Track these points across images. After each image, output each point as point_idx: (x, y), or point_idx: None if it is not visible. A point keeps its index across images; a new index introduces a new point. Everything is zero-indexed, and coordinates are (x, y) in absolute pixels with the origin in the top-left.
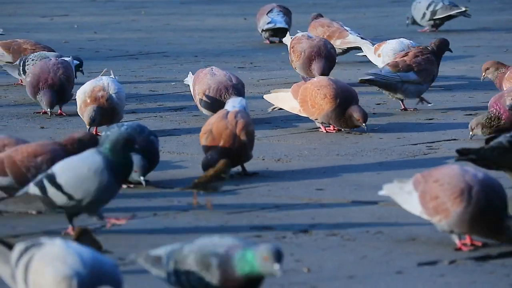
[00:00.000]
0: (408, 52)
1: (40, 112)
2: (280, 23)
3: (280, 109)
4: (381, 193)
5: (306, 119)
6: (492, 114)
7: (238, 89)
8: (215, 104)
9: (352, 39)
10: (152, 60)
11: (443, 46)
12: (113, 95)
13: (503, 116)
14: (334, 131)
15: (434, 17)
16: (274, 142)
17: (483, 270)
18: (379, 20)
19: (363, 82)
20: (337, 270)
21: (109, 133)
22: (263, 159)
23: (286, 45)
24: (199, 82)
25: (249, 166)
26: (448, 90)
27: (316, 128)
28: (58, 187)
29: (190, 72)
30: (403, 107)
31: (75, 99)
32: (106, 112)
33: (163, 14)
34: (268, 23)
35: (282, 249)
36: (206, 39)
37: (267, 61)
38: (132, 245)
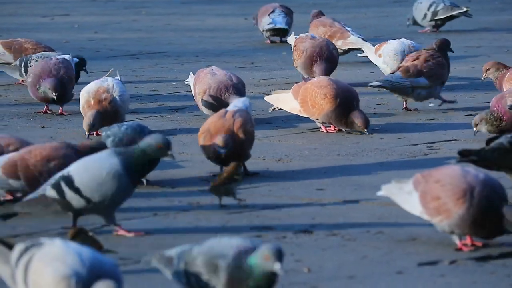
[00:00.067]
0: (419, 55)
1: (40, 112)
2: (280, 23)
3: (281, 109)
4: (380, 193)
5: (307, 119)
6: (495, 114)
7: (239, 89)
8: (215, 103)
9: (354, 40)
10: (153, 60)
11: (444, 46)
12: (117, 97)
13: (504, 117)
14: (334, 131)
15: (435, 18)
16: (274, 142)
17: (483, 270)
18: (380, 20)
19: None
20: (337, 270)
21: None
22: (264, 159)
23: (287, 45)
24: (200, 82)
25: (250, 166)
26: (449, 90)
27: (317, 128)
28: (76, 190)
29: (191, 73)
30: (404, 106)
31: (76, 99)
32: (108, 115)
33: (163, 14)
34: (269, 23)
35: (283, 249)
36: (207, 39)
37: (268, 61)
38: (132, 245)
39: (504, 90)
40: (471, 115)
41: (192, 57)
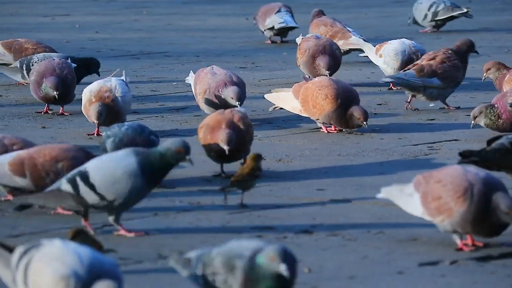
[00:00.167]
0: (437, 55)
1: (41, 112)
2: (291, 22)
3: (281, 108)
4: (379, 196)
5: (307, 119)
6: (495, 110)
7: (238, 86)
8: (216, 103)
9: (355, 41)
10: (154, 60)
11: (466, 47)
12: (119, 98)
13: (503, 116)
14: (335, 131)
15: (436, 18)
16: (275, 142)
17: (484, 270)
18: (381, 20)
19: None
20: (338, 270)
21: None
22: (264, 159)
23: (288, 45)
24: (200, 82)
25: None
26: None
27: (318, 128)
28: (91, 186)
29: (191, 71)
30: (408, 101)
31: (77, 99)
32: (111, 110)
33: (164, 14)
34: (280, 22)
35: (289, 250)
36: (208, 39)
37: (269, 61)
38: (132, 245)
39: (504, 90)
40: None
41: (193, 57)
